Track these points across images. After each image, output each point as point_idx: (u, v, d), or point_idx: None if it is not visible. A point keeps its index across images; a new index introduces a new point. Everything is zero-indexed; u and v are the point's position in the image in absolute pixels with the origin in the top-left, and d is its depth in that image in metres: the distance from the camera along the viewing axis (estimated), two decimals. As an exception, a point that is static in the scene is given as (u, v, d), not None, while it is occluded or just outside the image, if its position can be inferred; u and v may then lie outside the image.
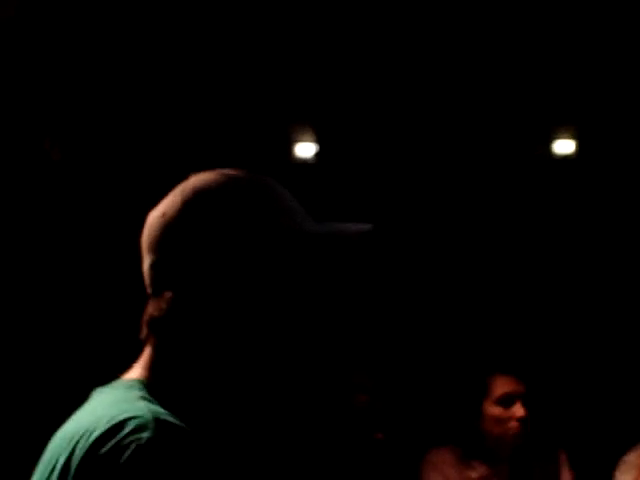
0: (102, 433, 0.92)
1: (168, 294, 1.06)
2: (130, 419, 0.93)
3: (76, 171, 3.55)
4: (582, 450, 3.13)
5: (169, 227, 1.09)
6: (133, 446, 0.89)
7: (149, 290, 1.11)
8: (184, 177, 1.16)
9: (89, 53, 3.41)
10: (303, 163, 3.92)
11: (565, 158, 3.90)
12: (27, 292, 3.37)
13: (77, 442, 0.95)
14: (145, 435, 0.90)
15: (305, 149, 3.92)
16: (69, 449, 0.96)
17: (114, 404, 0.99)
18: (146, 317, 1.09)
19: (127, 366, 1.13)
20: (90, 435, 0.93)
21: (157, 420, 0.93)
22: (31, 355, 3.33)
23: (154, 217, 1.13)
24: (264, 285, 1.07)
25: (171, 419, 0.96)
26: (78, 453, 0.93)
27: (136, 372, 1.09)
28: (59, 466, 0.96)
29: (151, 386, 1.05)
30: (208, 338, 1.05)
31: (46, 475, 0.99)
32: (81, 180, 3.57)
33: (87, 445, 0.93)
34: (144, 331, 1.09)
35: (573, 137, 3.87)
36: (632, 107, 3.68)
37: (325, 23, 3.42)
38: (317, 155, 3.91)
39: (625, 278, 3.84)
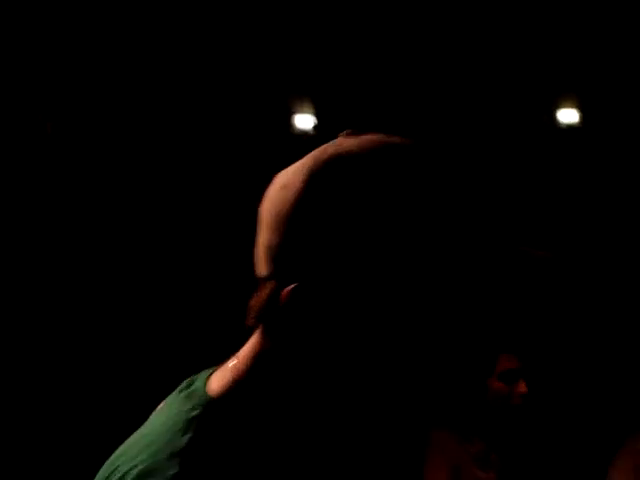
0: None
1: (288, 286, 0.86)
2: None
3: (70, 146, 3.52)
4: (580, 442, 3.11)
5: (290, 203, 0.87)
6: None
7: (262, 272, 0.91)
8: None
9: (85, 30, 3.38)
10: (302, 134, 3.91)
11: (569, 127, 3.88)
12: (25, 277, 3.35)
13: None
14: None
15: (304, 120, 3.94)
16: None
17: (152, 449, 0.87)
18: (257, 307, 0.90)
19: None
20: None
21: None
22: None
23: (275, 187, 0.91)
24: (407, 285, 0.87)
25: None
26: None
27: (222, 376, 0.94)
28: None
29: (223, 401, 0.91)
30: (331, 338, 0.87)
31: None
32: (74, 156, 3.53)
33: None
34: (251, 319, 0.91)
35: (577, 106, 3.84)
36: (635, 77, 3.64)
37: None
38: (316, 127, 3.91)
39: (631, 251, 3.79)
